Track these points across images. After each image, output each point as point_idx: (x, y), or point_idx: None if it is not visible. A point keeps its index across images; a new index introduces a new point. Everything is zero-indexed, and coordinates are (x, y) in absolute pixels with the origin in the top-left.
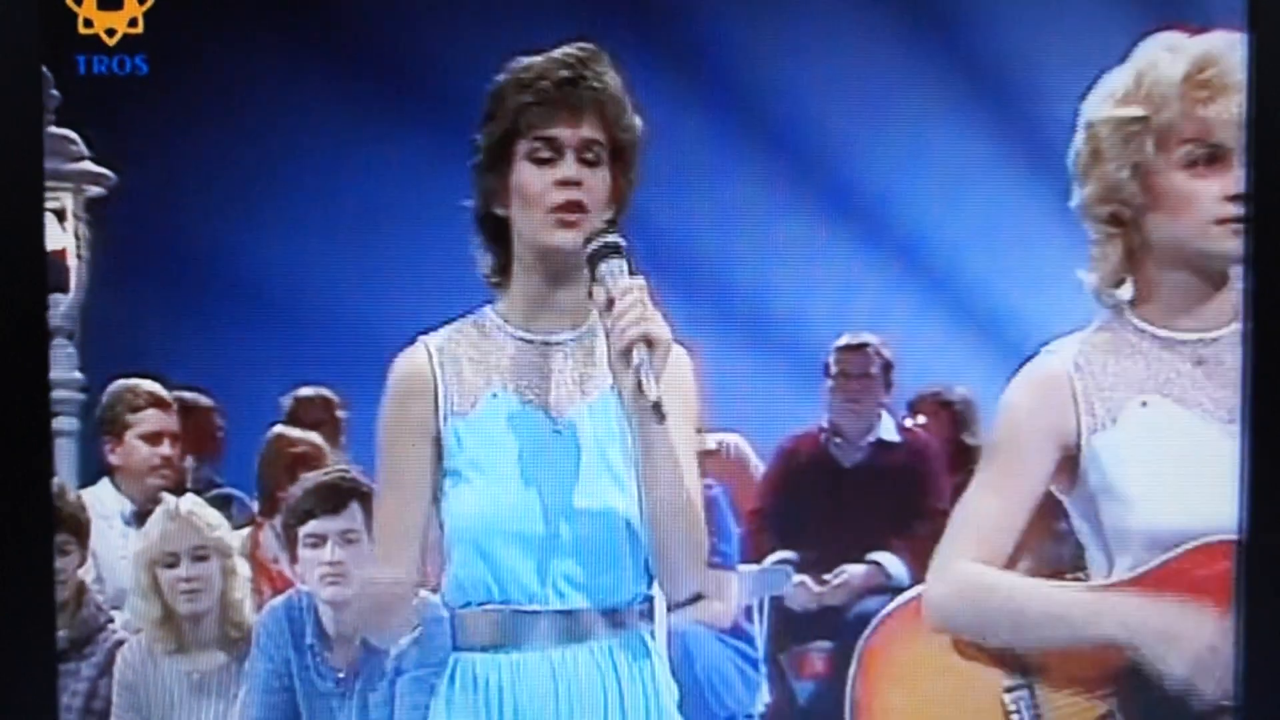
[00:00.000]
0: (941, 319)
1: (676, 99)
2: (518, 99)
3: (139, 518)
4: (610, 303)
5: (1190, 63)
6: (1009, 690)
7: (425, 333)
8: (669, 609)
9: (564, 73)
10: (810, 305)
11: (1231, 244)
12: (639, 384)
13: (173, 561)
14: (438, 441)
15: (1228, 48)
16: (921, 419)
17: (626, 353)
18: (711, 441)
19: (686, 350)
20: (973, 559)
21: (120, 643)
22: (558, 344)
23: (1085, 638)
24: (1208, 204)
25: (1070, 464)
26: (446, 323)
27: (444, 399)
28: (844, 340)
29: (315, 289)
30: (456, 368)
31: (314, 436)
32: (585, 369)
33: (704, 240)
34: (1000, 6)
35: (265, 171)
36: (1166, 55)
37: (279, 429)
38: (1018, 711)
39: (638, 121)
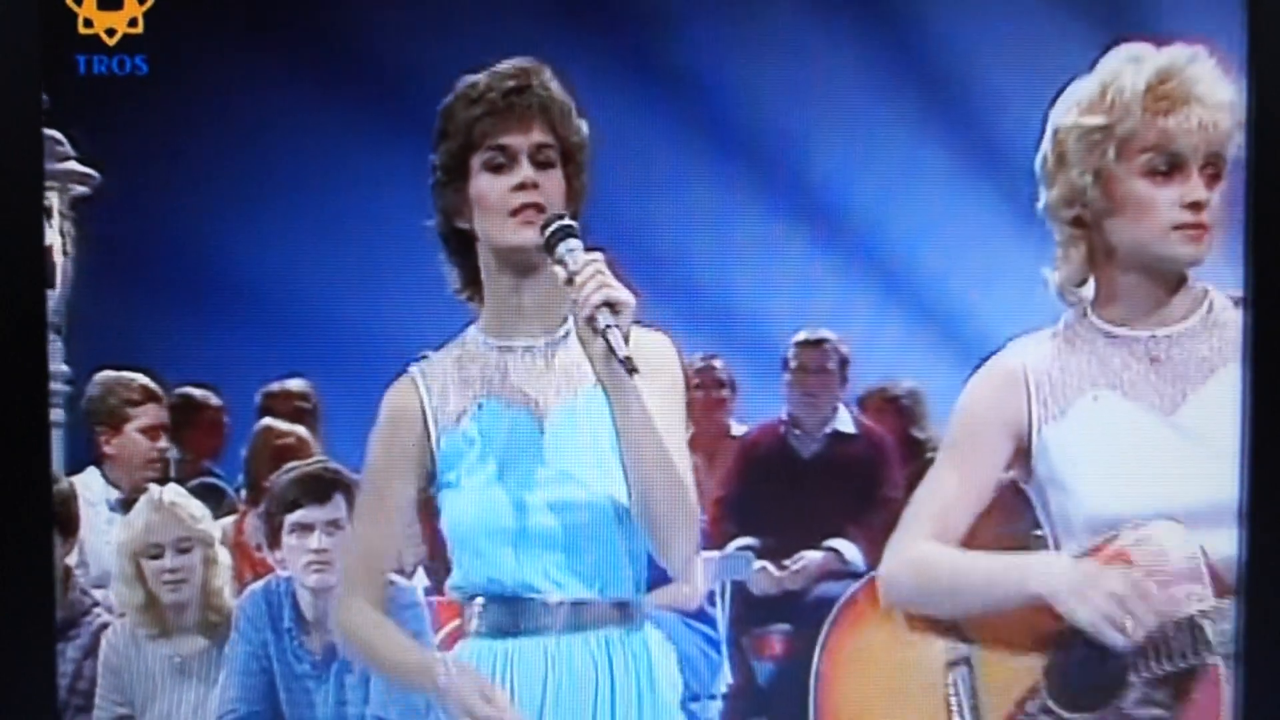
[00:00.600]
0: (898, 316)
1: (639, 104)
2: (468, 113)
3: (125, 505)
4: (571, 279)
5: (1152, 74)
6: (950, 666)
7: (414, 361)
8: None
9: (510, 83)
10: (769, 303)
11: (1186, 249)
12: (609, 346)
13: (157, 553)
14: (427, 473)
15: (1188, 60)
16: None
17: (592, 320)
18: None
19: (661, 335)
20: (927, 540)
21: (105, 626)
22: (536, 348)
23: (1014, 597)
24: (1165, 210)
25: (1025, 454)
26: (438, 346)
27: (433, 422)
28: (802, 336)
29: (301, 286)
30: (444, 389)
31: (301, 429)
32: (565, 368)
33: (667, 239)
34: (961, 14)
35: (255, 171)
36: (1130, 66)
37: (268, 421)
38: (955, 685)
39: (584, 126)
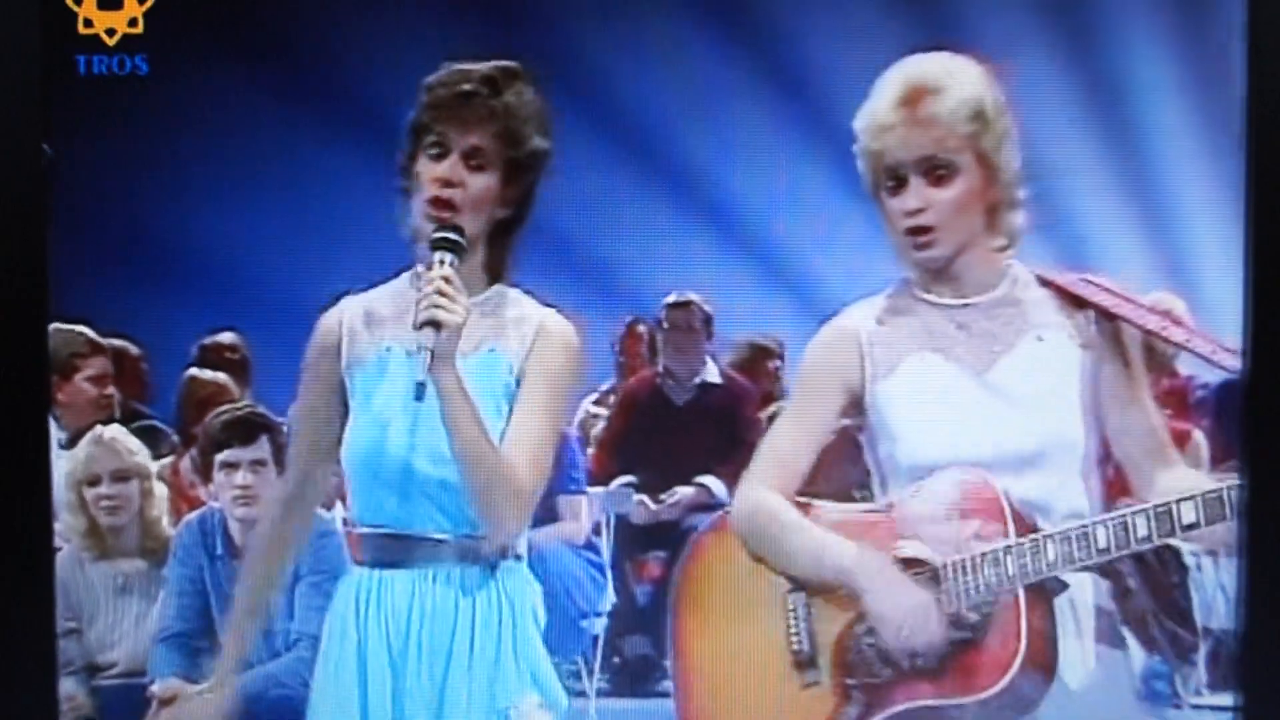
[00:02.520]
0: (758, 280)
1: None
2: (425, 99)
3: (71, 443)
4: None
5: (886, 97)
6: (790, 592)
7: (347, 293)
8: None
9: (465, 86)
10: (646, 269)
11: (919, 255)
12: (421, 363)
13: (95, 480)
14: (342, 387)
15: (923, 74)
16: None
17: (420, 332)
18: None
19: (569, 323)
20: (771, 483)
21: (56, 550)
22: None
23: (814, 571)
24: (896, 218)
25: (857, 407)
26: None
27: (346, 352)
28: (671, 298)
29: (232, 247)
30: (357, 326)
31: (222, 377)
32: (470, 329)
33: (560, 217)
34: (812, 8)
35: (198, 143)
36: (879, 87)
37: (192, 371)
38: (794, 609)
39: (539, 143)
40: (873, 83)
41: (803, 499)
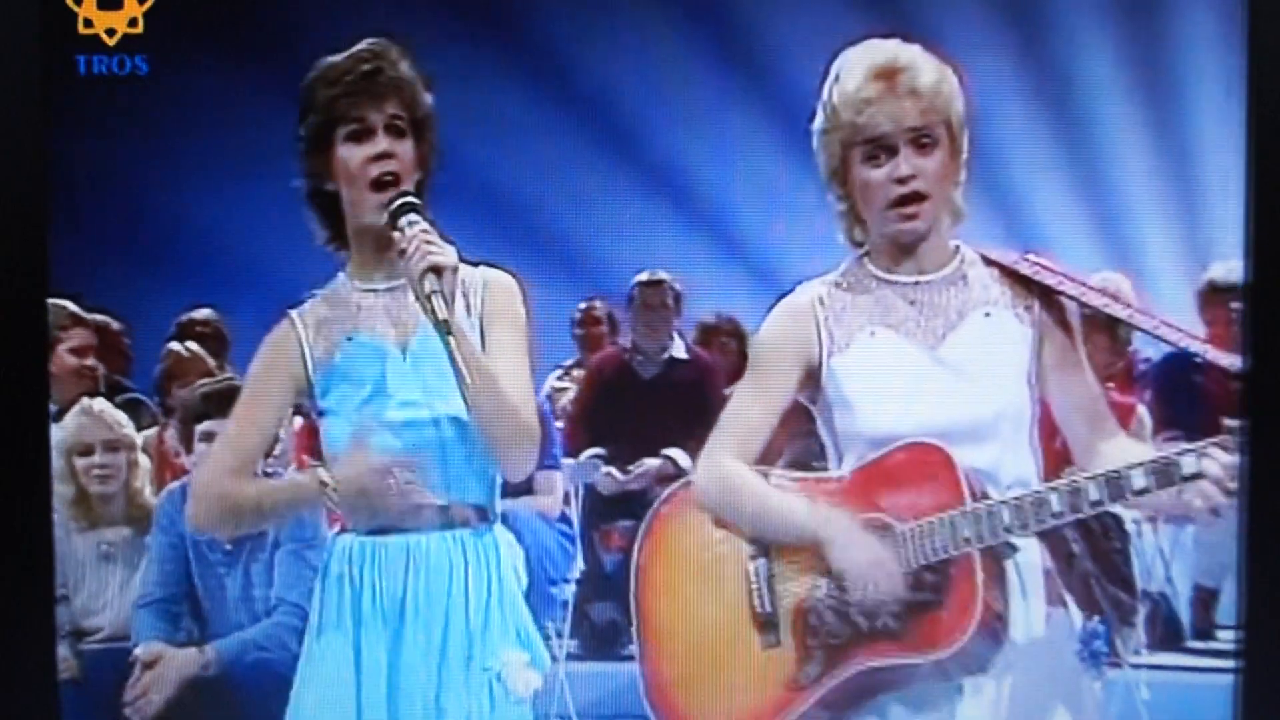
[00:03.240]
0: (723, 260)
1: (491, 74)
2: (329, 92)
3: (59, 414)
4: (403, 251)
5: (858, 74)
6: (751, 559)
7: (293, 306)
8: (502, 495)
9: (365, 66)
10: (617, 248)
11: (901, 227)
12: (431, 309)
13: (87, 450)
14: (304, 393)
15: (892, 52)
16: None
17: (419, 284)
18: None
19: (513, 278)
20: (732, 453)
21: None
22: (397, 289)
23: (784, 532)
24: (882, 189)
25: (814, 380)
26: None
27: (309, 356)
28: (643, 276)
29: (211, 227)
30: (317, 328)
31: (199, 350)
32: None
33: (522, 192)
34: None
35: (191, 136)
36: (846, 66)
37: (172, 345)
38: (755, 574)
39: (429, 99)
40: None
41: (760, 468)
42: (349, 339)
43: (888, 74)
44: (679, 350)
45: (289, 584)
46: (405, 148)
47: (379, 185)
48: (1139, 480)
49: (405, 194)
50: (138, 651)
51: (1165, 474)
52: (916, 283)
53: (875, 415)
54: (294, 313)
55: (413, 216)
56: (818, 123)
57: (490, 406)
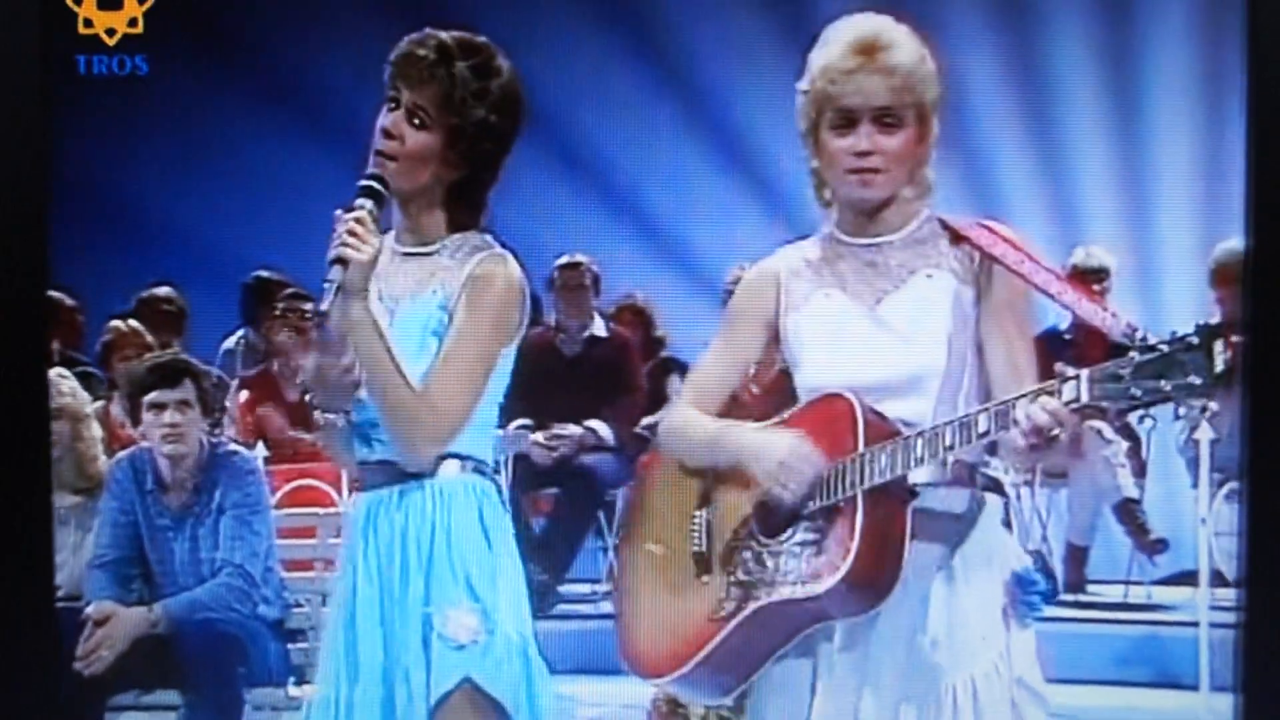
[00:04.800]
0: (638, 242)
1: None
2: (392, 60)
3: None
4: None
5: (841, 44)
6: (698, 508)
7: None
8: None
9: (418, 51)
10: (537, 232)
11: (859, 192)
12: (323, 295)
13: None
14: None
15: (875, 30)
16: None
17: (327, 267)
18: None
19: (510, 262)
20: (693, 404)
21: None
22: (419, 254)
23: (724, 457)
24: (843, 158)
25: (776, 340)
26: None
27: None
28: (563, 260)
29: (173, 209)
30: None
31: (138, 326)
32: (418, 275)
33: None
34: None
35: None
36: (828, 36)
37: (114, 323)
38: (700, 521)
39: (487, 115)
40: (749, 73)
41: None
42: (379, 298)
43: (867, 49)
44: (599, 329)
45: (233, 547)
46: (420, 138)
47: (374, 157)
48: (982, 424)
49: (375, 176)
50: (89, 610)
51: (1004, 417)
52: (872, 244)
53: (817, 370)
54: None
55: (364, 201)
56: (802, 82)
57: (380, 398)
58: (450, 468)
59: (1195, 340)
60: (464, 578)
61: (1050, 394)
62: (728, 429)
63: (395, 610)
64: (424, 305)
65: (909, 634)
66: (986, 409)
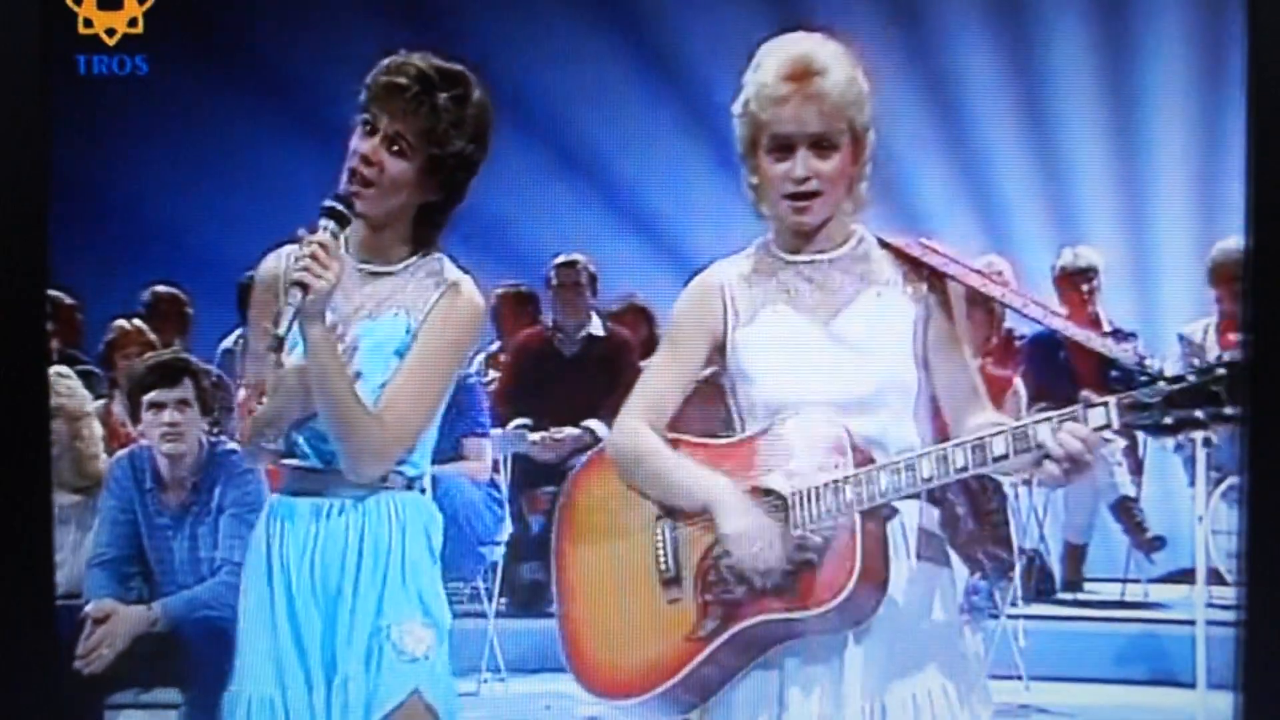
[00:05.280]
0: (635, 243)
1: None
2: (370, 79)
3: None
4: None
5: (772, 71)
6: (658, 520)
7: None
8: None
9: (400, 80)
10: (536, 231)
11: (796, 218)
12: (279, 318)
13: None
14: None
15: (806, 52)
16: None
17: (285, 292)
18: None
19: (472, 287)
20: (643, 418)
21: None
22: (381, 274)
23: (685, 501)
24: (779, 183)
25: (720, 353)
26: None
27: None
28: (560, 259)
29: (173, 209)
30: (279, 286)
31: (141, 325)
32: (376, 293)
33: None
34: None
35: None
36: (761, 62)
37: (118, 322)
38: (661, 535)
39: (465, 146)
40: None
41: (672, 435)
42: (289, 302)
43: (799, 75)
44: (596, 328)
45: (232, 546)
46: (399, 166)
47: (348, 181)
48: (999, 447)
49: (341, 199)
50: (89, 608)
51: (1024, 440)
52: (813, 262)
53: (772, 385)
54: (287, 248)
55: (327, 224)
56: (736, 105)
57: (331, 418)
58: (397, 484)
59: (1223, 371)
60: (416, 593)
61: (1075, 419)
62: (685, 472)
63: (343, 619)
64: (385, 326)
65: (887, 641)
66: (1003, 431)
